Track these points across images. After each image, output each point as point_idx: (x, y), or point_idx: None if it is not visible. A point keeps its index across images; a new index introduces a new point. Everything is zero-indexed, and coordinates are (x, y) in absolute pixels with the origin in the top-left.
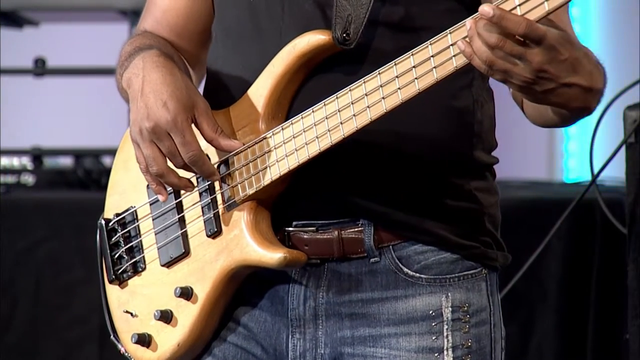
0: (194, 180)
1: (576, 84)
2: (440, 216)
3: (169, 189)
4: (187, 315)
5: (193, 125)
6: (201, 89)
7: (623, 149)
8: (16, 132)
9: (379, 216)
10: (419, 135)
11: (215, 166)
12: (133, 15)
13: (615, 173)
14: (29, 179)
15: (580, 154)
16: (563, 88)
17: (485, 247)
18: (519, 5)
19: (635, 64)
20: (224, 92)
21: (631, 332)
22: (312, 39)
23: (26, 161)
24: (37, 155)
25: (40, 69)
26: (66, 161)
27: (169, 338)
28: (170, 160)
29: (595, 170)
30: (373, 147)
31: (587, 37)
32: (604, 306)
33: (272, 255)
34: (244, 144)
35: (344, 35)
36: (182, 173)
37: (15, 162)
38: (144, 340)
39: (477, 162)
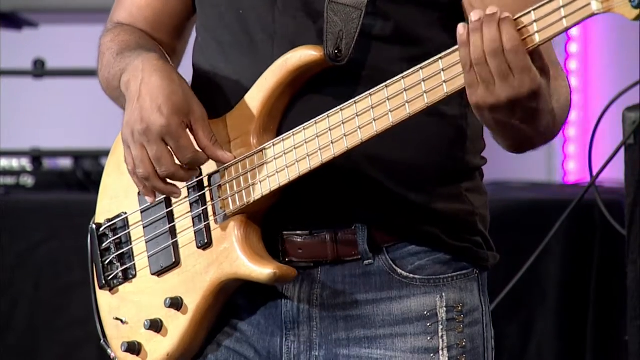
0: (184, 191)
1: (532, 128)
2: (433, 218)
3: (161, 196)
4: (177, 326)
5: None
6: None
7: (622, 150)
8: (15, 134)
9: (373, 220)
10: (411, 140)
11: (207, 177)
12: None
13: (615, 174)
14: (28, 181)
15: (579, 156)
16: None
17: (477, 247)
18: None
19: (635, 64)
20: (215, 101)
21: (630, 333)
22: (304, 55)
23: (25, 162)
24: (37, 156)
25: (39, 70)
26: (65, 163)
27: (159, 347)
28: (156, 166)
29: (595, 172)
30: (365, 153)
31: (588, 38)
32: (603, 307)
33: (262, 271)
34: (235, 157)
35: (336, 51)
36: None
37: (14, 163)
38: (134, 348)
39: (468, 164)
